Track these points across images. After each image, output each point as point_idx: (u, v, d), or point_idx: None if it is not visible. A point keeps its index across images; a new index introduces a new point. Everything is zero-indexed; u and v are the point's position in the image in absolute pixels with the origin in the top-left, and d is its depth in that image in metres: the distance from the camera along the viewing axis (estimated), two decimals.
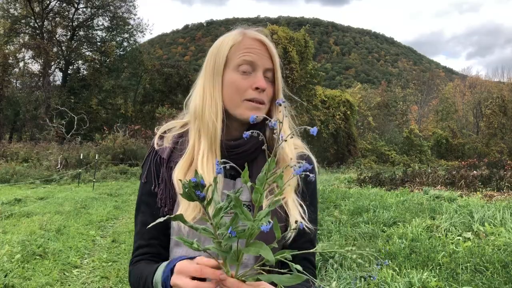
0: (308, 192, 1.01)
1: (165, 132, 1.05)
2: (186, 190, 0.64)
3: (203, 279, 0.74)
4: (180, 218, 0.68)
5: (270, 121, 0.67)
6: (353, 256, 0.73)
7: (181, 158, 0.98)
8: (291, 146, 1.01)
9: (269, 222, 0.64)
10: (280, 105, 0.70)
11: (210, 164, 0.95)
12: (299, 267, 0.69)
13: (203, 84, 1.00)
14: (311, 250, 0.78)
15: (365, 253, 0.73)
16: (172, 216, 0.68)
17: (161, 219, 0.68)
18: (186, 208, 0.91)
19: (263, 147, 0.69)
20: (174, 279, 0.77)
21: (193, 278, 0.74)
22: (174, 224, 0.96)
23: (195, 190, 0.64)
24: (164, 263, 0.85)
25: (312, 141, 33.09)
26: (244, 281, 0.72)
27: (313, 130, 0.64)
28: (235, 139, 0.99)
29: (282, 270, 0.71)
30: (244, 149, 0.97)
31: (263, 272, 0.71)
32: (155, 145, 1.03)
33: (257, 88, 0.95)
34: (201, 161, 0.95)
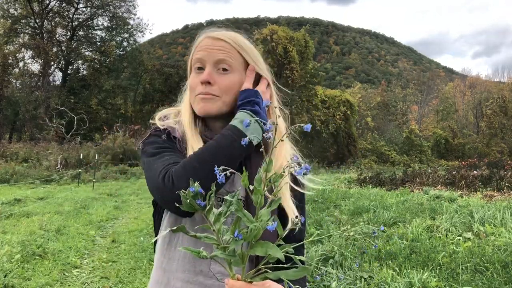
0: (297, 191, 1.02)
1: (163, 130, 1.05)
2: (187, 200, 0.65)
3: None
4: (182, 229, 0.69)
5: (265, 123, 0.69)
6: (350, 234, 0.75)
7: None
8: (285, 145, 1.02)
9: (273, 221, 0.66)
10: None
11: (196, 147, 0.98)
12: (303, 258, 0.72)
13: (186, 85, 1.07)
14: (310, 239, 0.77)
15: (360, 229, 0.75)
16: (174, 228, 0.69)
17: (164, 232, 0.70)
18: None
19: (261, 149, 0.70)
20: None
21: None
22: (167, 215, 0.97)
23: (195, 200, 0.65)
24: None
25: (312, 141, 33.09)
26: (251, 282, 0.72)
27: (307, 127, 0.64)
28: None
29: (285, 265, 0.72)
30: None
31: (269, 270, 0.72)
32: (160, 126, 1.02)
33: (202, 83, 0.98)
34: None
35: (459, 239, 5.51)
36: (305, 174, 0.65)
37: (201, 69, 0.99)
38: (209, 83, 0.97)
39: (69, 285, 4.16)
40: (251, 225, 0.66)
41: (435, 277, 3.88)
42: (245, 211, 0.68)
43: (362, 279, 3.93)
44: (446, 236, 5.75)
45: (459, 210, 7.37)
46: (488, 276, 3.97)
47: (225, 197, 0.70)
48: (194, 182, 0.66)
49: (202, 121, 1.04)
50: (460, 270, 4.16)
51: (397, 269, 4.20)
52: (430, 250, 4.79)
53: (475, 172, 14.28)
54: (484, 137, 41.31)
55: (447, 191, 11.21)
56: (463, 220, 6.60)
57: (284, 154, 1.00)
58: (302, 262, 0.74)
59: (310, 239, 0.78)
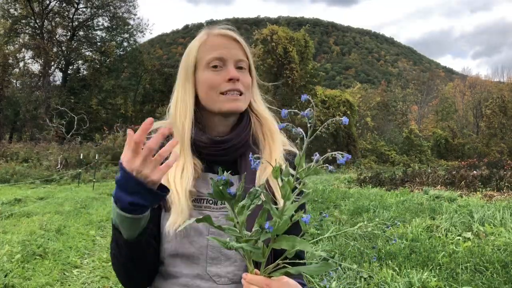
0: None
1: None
2: (219, 188, 0.64)
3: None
4: (208, 219, 0.68)
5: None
6: (369, 229, 0.74)
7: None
8: (278, 142, 1.01)
9: (307, 214, 0.66)
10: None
11: (181, 163, 0.94)
12: (323, 254, 0.71)
13: (176, 92, 1.03)
14: (326, 235, 0.78)
15: (374, 224, 0.74)
16: (200, 218, 0.68)
17: (190, 221, 0.68)
18: (178, 214, 0.89)
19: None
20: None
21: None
22: (166, 225, 0.93)
23: (227, 189, 0.65)
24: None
25: (311, 141, 33.01)
26: (270, 277, 0.72)
27: (345, 120, 0.64)
28: (221, 134, 0.99)
29: (301, 261, 0.72)
30: (232, 143, 0.97)
31: (288, 266, 0.71)
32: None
33: (230, 80, 0.96)
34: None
35: (459, 239, 5.52)
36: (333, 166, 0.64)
37: (216, 67, 0.97)
38: (237, 80, 0.97)
39: (69, 285, 4.16)
40: (278, 218, 0.66)
41: (435, 277, 3.89)
42: (272, 205, 0.68)
43: (362, 279, 3.93)
44: (445, 236, 5.75)
45: (459, 210, 7.37)
46: (487, 276, 3.97)
47: (255, 187, 0.69)
48: None
49: (198, 123, 1.00)
50: (459, 270, 4.16)
51: (397, 269, 4.20)
52: (430, 250, 4.80)
53: (474, 172, 14.28)
54: (483, 137, 41.30)
55: (447, 191, 11.21)
56: (463, 220, 6.60)
57: (278, 152, 0.99)
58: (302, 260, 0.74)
59: (327, 235, 0.78)
